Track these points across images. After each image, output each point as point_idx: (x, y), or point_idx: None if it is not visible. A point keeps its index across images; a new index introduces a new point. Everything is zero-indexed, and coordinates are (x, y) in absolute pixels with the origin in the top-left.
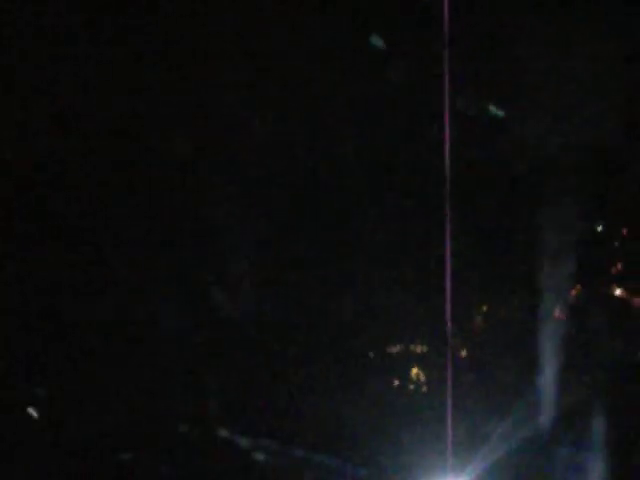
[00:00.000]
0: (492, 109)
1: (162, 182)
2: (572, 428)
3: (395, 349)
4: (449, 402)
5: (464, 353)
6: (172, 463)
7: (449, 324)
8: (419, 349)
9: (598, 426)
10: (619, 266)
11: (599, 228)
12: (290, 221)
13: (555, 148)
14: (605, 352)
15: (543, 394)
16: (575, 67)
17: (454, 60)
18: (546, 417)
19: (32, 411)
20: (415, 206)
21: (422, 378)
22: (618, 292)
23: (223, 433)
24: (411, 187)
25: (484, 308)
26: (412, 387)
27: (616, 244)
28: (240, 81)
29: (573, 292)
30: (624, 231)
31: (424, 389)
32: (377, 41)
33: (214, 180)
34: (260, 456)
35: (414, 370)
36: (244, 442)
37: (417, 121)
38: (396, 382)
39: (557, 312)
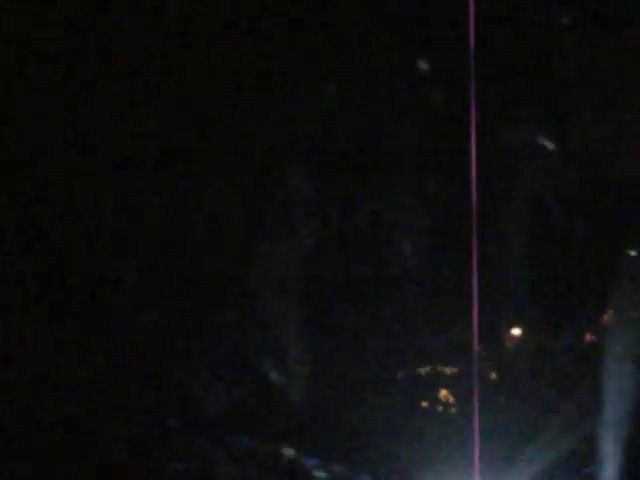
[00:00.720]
0: (541, 140)
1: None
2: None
3: (424, 370)
4: (477, 425)
5: (494, 376)
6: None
7: (476, 346)
8: (448, 371)
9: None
10: None
11: (632, 253)
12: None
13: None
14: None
15: (574, 420)
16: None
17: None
18: (576, 444)
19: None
20: (446, 225)
21: (451, 400)
22: None
23: (288, 451)
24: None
25: (515, 332)
26: (441, 409)
27: None
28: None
29: (605, 317)
30: None
31: (453, 411)
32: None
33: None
34: (322, 474)
35: (443, 392)
36: (309, 462)
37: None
38: (424, 403)
39: (587, 336)
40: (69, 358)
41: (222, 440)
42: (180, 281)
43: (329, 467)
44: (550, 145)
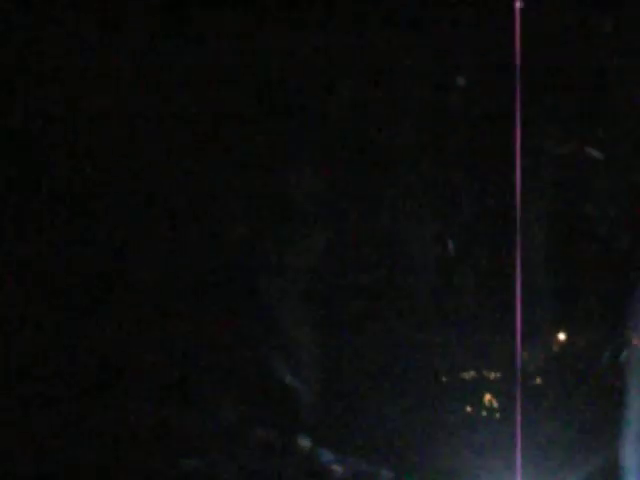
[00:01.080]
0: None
1: None
2: None
3: (468, 375)
4: (520, 431)
5: (539, 381)
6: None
7: (520, 350)
8: (492, 375)
9: None
10: None
11: None
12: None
13: None
14: None
15: (620, 428)
16: None
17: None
18: (622, 454)
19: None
20: (488, 226)
21: (495, 405)
22: None
23: (304, 442)
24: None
25: (561, 336)
26: (485, 414)
27: None
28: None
29: None
30: None
31: (497, 416)
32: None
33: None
34: (339, 469)
35: (487, 397)
36: (325, 455)
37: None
38: (468, 408)
39: (635, 341)
40: (69, 357)
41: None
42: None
43: (346, 461)
44: (597, 154)
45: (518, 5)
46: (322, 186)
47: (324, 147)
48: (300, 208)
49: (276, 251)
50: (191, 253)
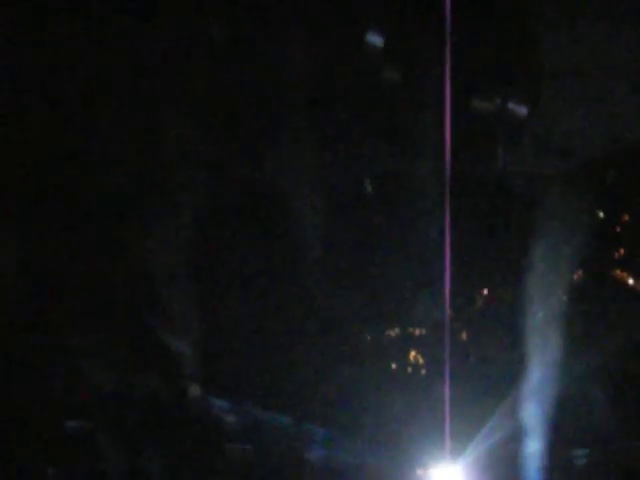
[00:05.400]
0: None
1: None
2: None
3: (393, 332)
4: (447, 386)
5: (464, 337)
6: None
7: (447, 307)
8: (418, 332)
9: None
10: (622, 251)
11: (600, 214)
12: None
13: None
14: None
15: (543, 380)
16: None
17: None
18: (544, 404)
19: None
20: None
21: (420, 361)
22: (631, 281)
23: (195, 391)
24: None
25: (485, 292)
26: (410, 370)
27: (618, 229)
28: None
29: (575, 276)
30: (626, 216)
31: (422, 372)
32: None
33: None
34: (233, 419)
35: (412, 353)
36: (218, 403)
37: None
38: (393, 365)
39: (560, 295)
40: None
41: None
42: None
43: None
44: None
45: None
46: None
47: None
48: None
49: None
50: None
